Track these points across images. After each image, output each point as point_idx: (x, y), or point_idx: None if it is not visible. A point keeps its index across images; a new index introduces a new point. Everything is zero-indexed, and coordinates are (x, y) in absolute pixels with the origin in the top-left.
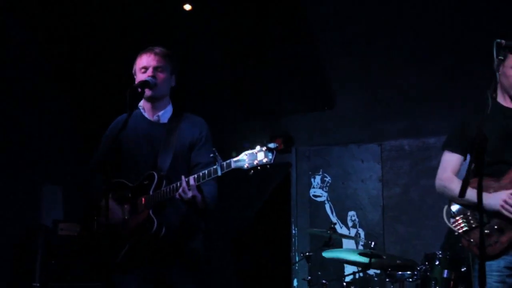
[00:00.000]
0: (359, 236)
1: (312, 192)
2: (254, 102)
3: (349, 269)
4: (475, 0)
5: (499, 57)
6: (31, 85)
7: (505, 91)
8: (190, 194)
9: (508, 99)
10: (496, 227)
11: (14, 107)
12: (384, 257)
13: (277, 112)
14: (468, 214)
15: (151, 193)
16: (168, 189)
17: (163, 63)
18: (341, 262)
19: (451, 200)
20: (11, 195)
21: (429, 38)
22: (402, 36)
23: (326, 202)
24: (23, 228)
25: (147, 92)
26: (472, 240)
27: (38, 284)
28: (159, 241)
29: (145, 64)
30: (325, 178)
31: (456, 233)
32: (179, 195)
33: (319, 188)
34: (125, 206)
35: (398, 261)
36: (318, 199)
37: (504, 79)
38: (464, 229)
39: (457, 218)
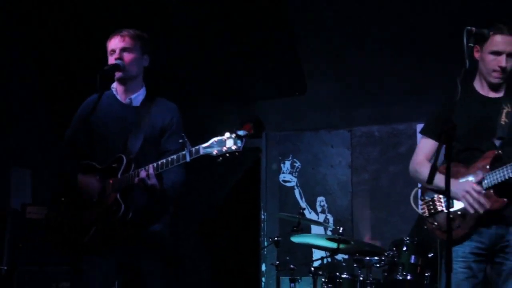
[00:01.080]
0: (328, 222)
1: (281, 177)
2: (225, 87)
3: (317, 254)
4: None
5: (469, 44)
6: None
7: (483, 77)
8: (149, 182)
9: (485, 86)
10: (459, 212)
11: None
12: (352, 242)
13: (248, 97)
14: (435, 198)
15: (119, 176)
16: (135, 173)
17: (131, 44)
18: (310, 247)
19: (421, 184)
20: None
21: (401, 24)
22: (374, 23)
23: (295, 187)
24: None
25: (117, 74)
26: (436, 223)
27: (5, 267)
28: (126, 224)
29: (112, 47)
30: (294, 164)
31: (422, 216)
32: (140, 182)
33: (289, 173)
34: (93, 188)
35: (366, 247)
36: (288, 184)
37: (482, 65)
38: (430, 212)
39: (424, 201)
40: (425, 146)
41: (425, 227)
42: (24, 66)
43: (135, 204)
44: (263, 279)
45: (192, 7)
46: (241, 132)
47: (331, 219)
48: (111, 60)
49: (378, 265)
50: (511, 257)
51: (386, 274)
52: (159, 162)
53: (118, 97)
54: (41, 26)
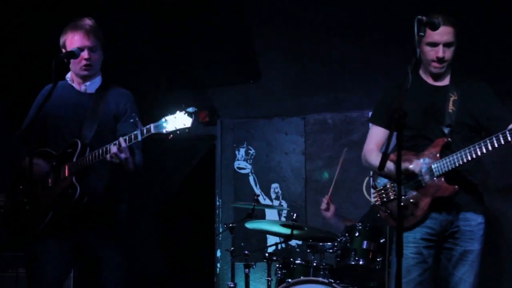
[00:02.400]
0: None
1: (236, 164)
2: (180, 74)
3: (271, 240)
4: None
5: (420, 34)
6: None
7: (425, 67)
8: (123, 155)
9: (429, 76)
10: (412, 200)
11: None
12: (306, 228)
13: (203, 84)
14: (388, 186)
15: (74, 160)
16: (96, 154)
17: (96, 42)
18: (264, 233)
19: (372, 172)
20: None
21: (354, 12)
22: (329, 10)
23: (250, 174)
24: None
25: (83, 72)
26: (389, 211)
27: None
28: (82, 208)
29: (79, 45)
30: (249, 151)
31: (374, 204)
32: (112, 156)
33: (244, 160)
34: (49, 173)
35: (319, 233)
36: (242, 171)
37: (422, 56)
38: (382, 200)
39: (377, 189)
40: (375, 134)
41: (378, 215)
42: None
43: (92, 188)
44: (218, 265)
45: None
46: (190, 109)
47: (285, 205)
48: (81, 57)
49: (331, 250)
50: (461, 242)
51: (338, 259)
52: (124, 138)
53: (74, 85)
54: None
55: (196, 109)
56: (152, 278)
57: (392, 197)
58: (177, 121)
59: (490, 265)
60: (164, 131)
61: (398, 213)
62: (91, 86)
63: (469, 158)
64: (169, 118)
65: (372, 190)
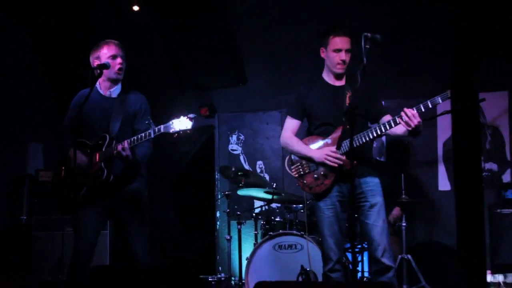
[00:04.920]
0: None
1: (230, 147)
2: (186, 79)
3: (257, 203)
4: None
5: (366, 46)
6: (21, 71)
7: (330, 70)
8: (124, 154)
9: (332, 77)
10: (322, 173)
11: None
12: (283, 194)
13: (204, 87)
14: (303, 162)
15: (103, 150)
16: (114, 147)
17: (124, 54)
18: (252, 199)
19: (291, 153)
20: (4, 151)
21: (316, 31)
22: (298, 29)
23: (240, 154)
24: (13, 176)
25: (117, 76)
26: (305, 181)
27: (25, 217)
28: (109, 185)
29: (114, 53)
30: (239, 137)
31: (294, 177)
32: (117, 153)
33: (235, 144)
34: (85, 159)
35: (293, 197)
36: (235, 152)
37: (328, 61)
38: (299, 173)
39: (295, 165)
40: (290, 124)
41: (297, 184)
42: (37, 69)
43: (115, 170)
44: (218, 222)
45: (162, 21)
46: (191, 115)
47: (267, 177)
48: (115, 63)
49: (302, 210)
50: (367, 198)
51: (308, 217)
52: (132, 139)
53: (101, 91)
54: (51, 39)
55: (196, 116)
56: (168, 233)
57: (306, 171)
58: (181, 123)
59: (423, 215)
60: (170, 131)
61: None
62: (114, 92)
63: (362, 141)
64: (175, 121)
65: (292, 167)
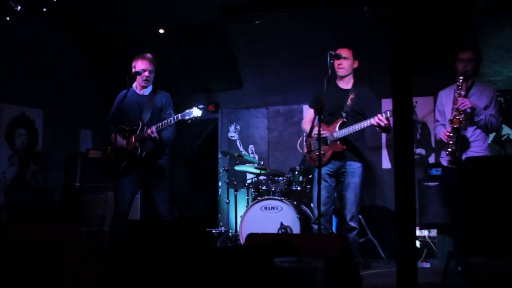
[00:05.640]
0: (255, 158)
1: (229, 134)
2: (197, 84)
3: (249, 176)
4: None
5: (330, 61)
6: (75, 77)
7: (339, 76)
8: (153, 135)
9: (341, 81)
10: (322, 151)
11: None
12: (268, 169)
13: (210, 89)
14: (311, 142)
15: (137, 133)
16: (145, 131)
17: (152, 67)
18: (245, 173)
19: (305, 134)
20: (63, 135)
21: (298, 46)
22: (283, 44)
23: (237, 140)
24: (70, 153)
25: (143, 84)
26: (311, 156)
27: (78, 184)
28: (142, 159)
29: (143, 68)
30: (236, 127)
31: (304, 153)
32: (147, 136)
33: (233, 132)
34: (124, 140)
35: (275, 172)
36: (233, 138)
37: (335, 71)
38: (309, 150)
39: (306, 144)
40: (309, 113)
41: (305, 157)
42: (89, 75)
43: (147, 148)
44: (220, 190)
45: (182, 47)
46: (200, 106)
47: (256, 157)
48: (144, 74)
49: (282, 182)
50: (347, 177)
51: (286, 186)
52: (158, 124)
53: (137, 90)
54: (97, 54)
55: (204, 106)
56: (183, 197)
57: (312, 149)
58: (194, 112)
59: (371, 185)
60: (186, 117)
61: (319, 158)
62: (146, 91)
63: (353, 131)
64: (189, 111)
65: (304, 144)
